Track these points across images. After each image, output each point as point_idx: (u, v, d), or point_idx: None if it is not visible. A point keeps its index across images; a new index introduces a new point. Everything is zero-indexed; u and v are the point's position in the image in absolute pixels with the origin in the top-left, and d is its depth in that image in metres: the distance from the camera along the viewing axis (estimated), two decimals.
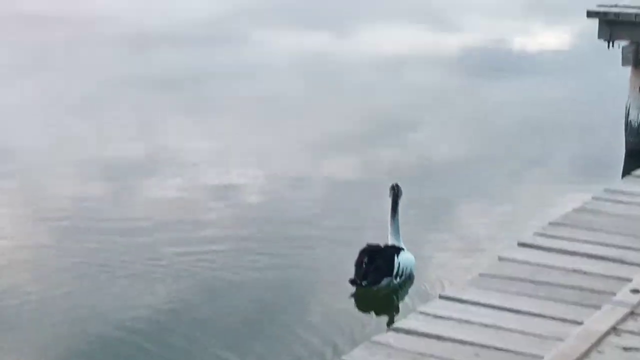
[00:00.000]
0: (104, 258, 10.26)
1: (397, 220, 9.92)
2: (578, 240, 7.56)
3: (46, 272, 10.05)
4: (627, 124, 14.23)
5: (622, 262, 7.13)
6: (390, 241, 9.92)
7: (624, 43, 13.69)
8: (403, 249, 9.81)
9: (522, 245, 7.58)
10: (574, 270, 6.96)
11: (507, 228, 11.02)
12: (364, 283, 9.37)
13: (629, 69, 13.99)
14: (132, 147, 14.57)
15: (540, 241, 7.61)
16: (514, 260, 7.21)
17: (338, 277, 9.61)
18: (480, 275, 6.94)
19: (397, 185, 9.98)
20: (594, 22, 13.70)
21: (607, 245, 7.44)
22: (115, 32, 24.05)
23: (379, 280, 9.47)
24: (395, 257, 9.58)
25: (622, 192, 8.83)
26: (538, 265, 7.08)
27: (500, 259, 7.32)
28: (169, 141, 14.94)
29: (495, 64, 20.91)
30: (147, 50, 22.03)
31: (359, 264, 9.50)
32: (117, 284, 9.68)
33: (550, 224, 8.05)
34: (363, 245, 9.70)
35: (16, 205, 12.18)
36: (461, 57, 21.83)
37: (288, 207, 12.15)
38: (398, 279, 9.64)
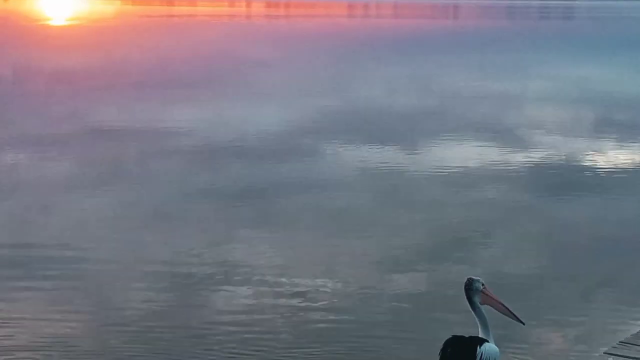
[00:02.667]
0: None
1: (481, 314, 10.07)
2: None
3: None
4: None
5: None
6: (481, 336, 10.00)
7: None
8: (487, 340, 9.91)
9: None
10: None
11: (577, 346, 10.84)
12: None
13: None
14: (201, 257, 14.76)
15: None
16: None
17: None
18: None
19: (468, 279, 10.17)
20: None
21: None
22: (186, 146, 24.53)
23: None
24: (478, 347, 9.72)
25: None
26: None
27: None
28: (238, 252, 15.07)
29: (564, 181, 20.83)
30: (218, 163, 22.38)
31: (443, 353, 9.67)
32: None
33: (621, 342, 7.93)
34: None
35: (86, 314, 12.35)
36: (530, 173, 21.76)
37: (357, 319, 12.12)
38: None
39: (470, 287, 10.17)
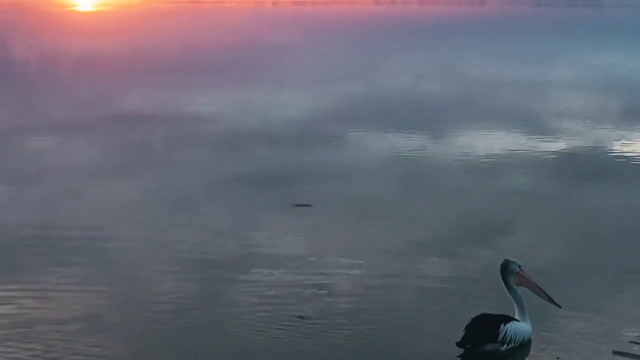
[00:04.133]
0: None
1: (516, 295, 10.25)
2: None
3: None
4: None
5: None
6: (516, 316, 10.30)
7: None
8: (517, 320, 10.10)
9: (617, 353, 7.45)
10: None
11: (602, 336, 10.76)
12: (467, 346, 9.92)
13: None
14: (226, 242, 14.83)
15: (637, 350, 7.45)
16: None
17: None
18: None
19: (505, 260, 10.42)
20: None
21: None
22: (211, 132, 24.59)
23: (481, 344, 9.92)
24: (502, 325, 9.95)
25: None
26: None
27: None
28: (263, 237, 15.11)
29: (592, 169, 20.71)
30: (242, 150, 22.42)
31: (467, 328, 10.03)
32: None
33: None
34: None
35: (112, 292, 12.47)
36: (558, 162, 21.65)
37: (382, 304, 12.11)
38: (505, 346, 9.95)
39: (506, 269, 10.36)
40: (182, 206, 17.14)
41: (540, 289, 10.56)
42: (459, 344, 10.04)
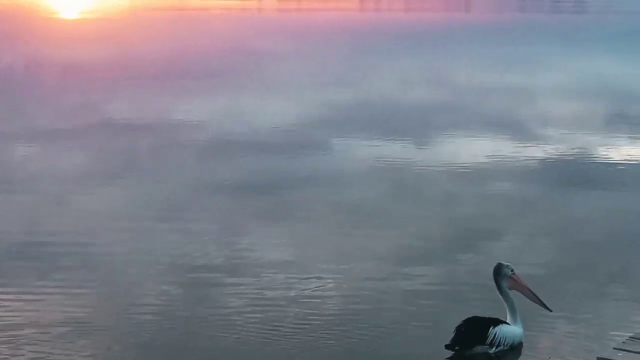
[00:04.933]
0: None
1: (508, 298, 10.38)
2: None
3: None
4: None
5: None
6: (508, 320, 10.46)
7: None
8: (507, 323, 10.22)
9: None
10: None
11: (586, 342, 10.83)
12: (456, 348, 10.06)
13: None
14: (214, 249, 14.85)
15: (620, 356, 7.50)
16: None
17: None
18: None
19: (497, 264, 10.54)
20: None
21: None
22: (199, 139, 24.58)
23: (470, 346, 10.05)
24: (492, 328, 10.07)
25: None
26: None
27: None
28: (249, 246, 15.11)
29: (577, 175, 20.79)
30: (229, 156, 22.42)
31: (457, 330, 10.17)
32: None
33: (631, 338, 7.94)
34: None
35: (101, 308, 12.45)
36: (543, 168, 21.72)
37: (370, 311, 12.15)
38: (494, 348, 10.09)
39: (499, 272, 10.49)
40: (169, 213, 17.16)
41: (532, 293, 10.67)
42: (447, 346, 10.13)
